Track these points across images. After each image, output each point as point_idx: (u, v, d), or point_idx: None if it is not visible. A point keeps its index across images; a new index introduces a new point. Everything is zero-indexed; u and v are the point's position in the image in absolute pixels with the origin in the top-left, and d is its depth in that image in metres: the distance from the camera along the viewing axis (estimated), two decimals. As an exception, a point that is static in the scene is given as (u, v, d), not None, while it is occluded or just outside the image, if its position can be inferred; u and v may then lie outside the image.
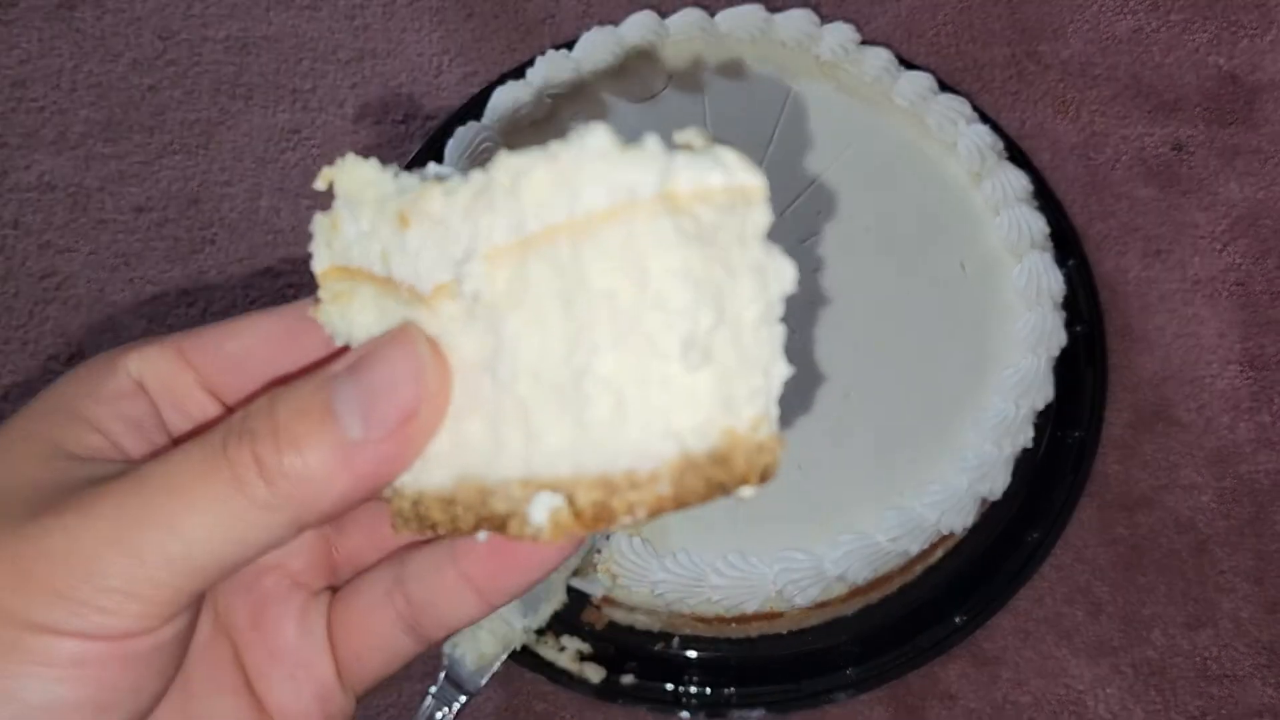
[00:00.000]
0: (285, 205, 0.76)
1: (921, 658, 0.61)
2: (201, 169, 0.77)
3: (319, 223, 0.28)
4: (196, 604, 0.26)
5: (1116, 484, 0.67)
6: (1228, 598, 0.64)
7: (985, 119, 0.72)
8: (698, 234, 0.23)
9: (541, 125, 0.73)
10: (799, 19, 0.74)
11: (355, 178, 0.27)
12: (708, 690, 0.60)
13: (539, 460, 0.24)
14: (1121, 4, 0.82)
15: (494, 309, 0.24)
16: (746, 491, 0.24)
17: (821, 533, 0.61)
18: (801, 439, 0.62)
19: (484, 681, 0.59)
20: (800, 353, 0.64)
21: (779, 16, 0.74)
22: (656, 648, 0.61)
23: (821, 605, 0.61)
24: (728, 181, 0.23)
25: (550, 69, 0.73)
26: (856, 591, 0.61)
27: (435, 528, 0.27)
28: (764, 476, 0.24)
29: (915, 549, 0.61)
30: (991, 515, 0.63)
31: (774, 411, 0.24)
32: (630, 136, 0.23)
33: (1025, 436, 0.63)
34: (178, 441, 0.29)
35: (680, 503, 0.23)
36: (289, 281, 0.73)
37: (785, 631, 0.62)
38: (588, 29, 0.74)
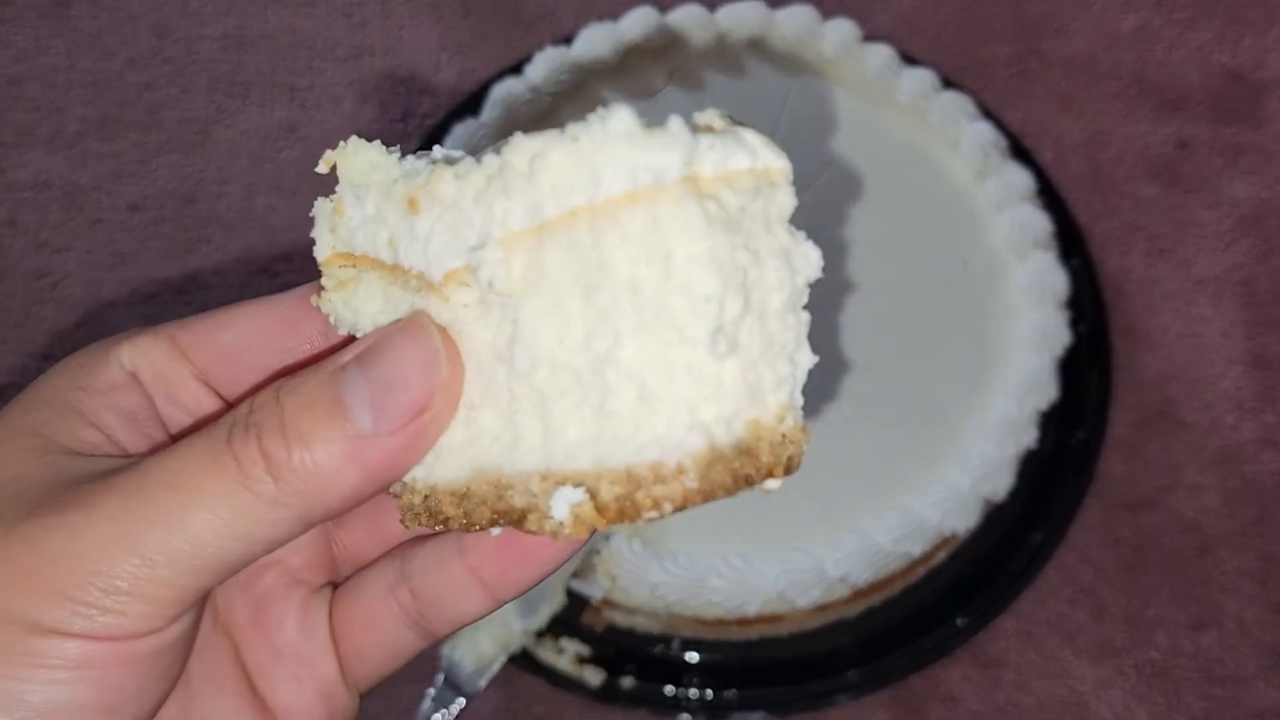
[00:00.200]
0: (282, 203, 0.75)
1: (923, 660, 0.61)
2: (197, 167, 0.77)
3: (321, 208, 0.27)
4: (201, 603, 0.26)
5: (1120, 484, 0.66)
6: (1232, 599, 0.64)
7: (988, 117, 0.71)
8: (724, 218, 0.22)
9: (540, 123, 0.72)
10: (800, 15, 0.73)
11: (359, 161, 0.26)
12: (708, 693, 0.60)
13: (559, 453, 0.24)
14: (1125, 1, 0.82)
15: (510, 296, 0.24)
16: (772, 484, 0.23)
17: (823, 534, 0.61)
18: (803, 439, 0.61)
19: (483, 684, 0.59)
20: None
21: (780, 13, 0.74)
22: (656, 650, 0.61)
23: (823, 607, 0.60)
24: (752, 164, 0.23)
25: (548, 65, 0.72)
26: (858, 593, 0.61)
27: (448, 523, 0.26)
28: (789, 468, 0.23)
29: (918, 550, 0.60)
30: (994, 516, 0.62)
31: (799, 401, 0.24)
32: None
33: (1029, 437, 0.62)
34: (174, 435, 0.29)
35: (707, 496, 0.23)
36: (286, 280, 0.73)
37: (786, 634, 0.61)
38: (586, 25, 0.74)
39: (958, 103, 0.70)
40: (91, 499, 0.24)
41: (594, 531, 0.24)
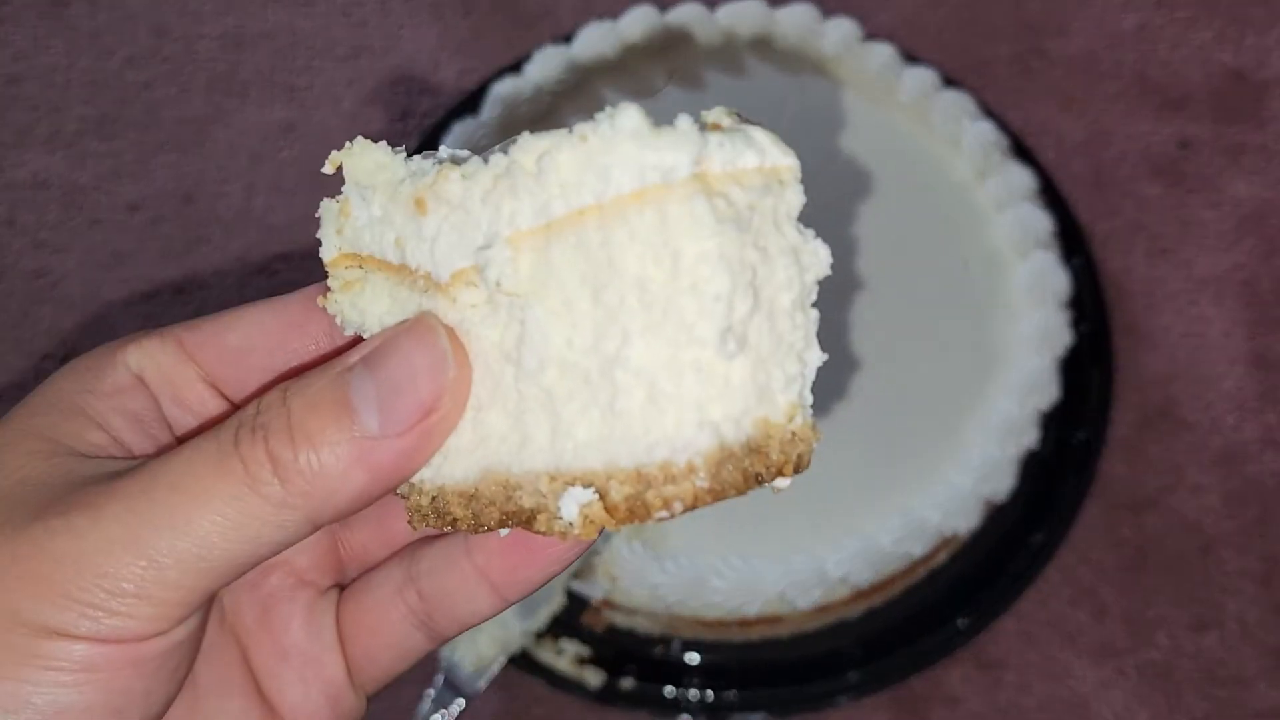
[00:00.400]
0: (280, 203, 0.75)
1: (924, 661, 0.60)
2: (196, 167, 0.77)
3: (327, 209, 0.27)
4: (208, 604, 0.26)
5: (1122, 485, 0.66)
6: (1234, 600, 0.64)
7: (989, 116, 0.71)
8: (733, 216, 0.22)
9: (540, 122, 0.72)
10: (801, 14, 0.73)
11: (365, 161, 0.26)
12: (709, 694, 0.59)
13: (568, 453, 0.24)
14: (1126, 0, 0.82)
15: (517, 296, 0.24)
16: (782, 483, 0.23)
17: (824, 534, 0.60)
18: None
19: (482, 685, 0.58)
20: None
21: (781, 11, 0.74)
22: (657, 651, 0.61)
23: (824, 608, 0.60)
24: (761, 162, 0.23)
25: (548, 64, 0.72)
26: (859, 594, 0.61)
27: (456, 524, 0.26)
28: (799, 467, 0.23)
29: (918, 551, 0.60)
30: (995, 517, 0.62)
31: (809, 399, 0.24)
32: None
33: (1030, 437, 0.62)
34: (181, 437, 0.29)
35: (718, 496, 0.23)
36: (285, 279, 0.72)
37: (787, 635, 0.61)
38: (586, 23, 0.74)
39: (959, 102, 0.70)
40: (98, 501, 0.24)
41: (603, 531, 0.24)
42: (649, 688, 0.60)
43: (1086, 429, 0.65)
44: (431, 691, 0.58)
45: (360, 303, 0.27)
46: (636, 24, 0.73)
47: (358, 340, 0.27)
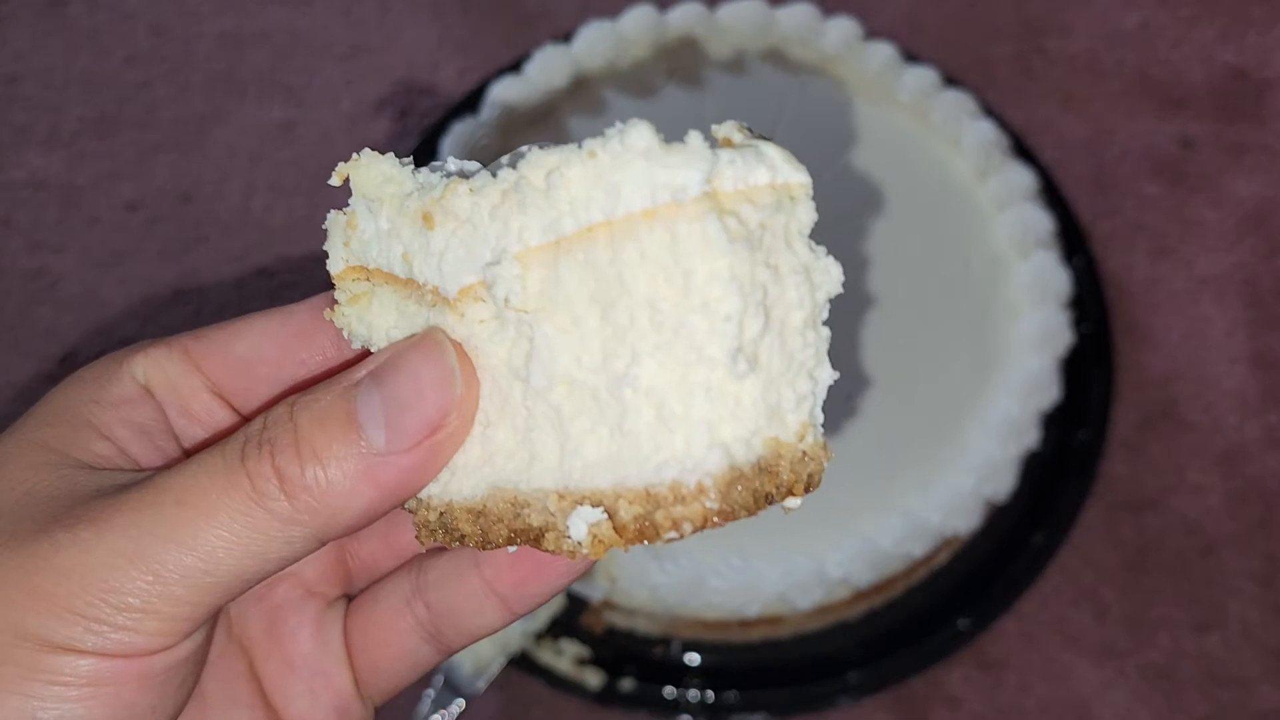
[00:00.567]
0: (279, 203, 0.75)
1: (925, 662, 0.60)
2: (194, 166, 0.76)
3: (334, 221, 0.27)
4: (214, 618, 0.26)
5: (1123, 485, 0.66)
6: (1235, 600, 0.63)
7: (990, 115, 0.71)
8: (744, 235, 0.22)
9: (540, 121, 0.72)
10: (801, 13, 0.73)
11: (373, 174, 0.26)
12: (709, 695, 0.59)
13: (576, 471, 0.24)
14: (1127, -2, 0.81)
15: (526, 313, 0.23)
16: (793, 502, 0.23)
17: (824, 535, 0.60)
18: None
19: (482, 686, 0.58)
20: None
21: (781, 11, 0.73)
22: (656, 652, 0.61)
23: (824, 609, 0.60)
24: (773, 179, 0.23)
25: (548, 64, 0.72)
26: (860, 595, 0.60)
27: (464, 540, 0.26)
28: (809, 486, 0.23)
29: (919, 551, 0.60)
30: (996, 517, 0.62)
31: (819, 418, 0.24)
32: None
33: (1030, 437, 0.62)
34: (187, 448, 0.28)
35: (728, 517, 0.23)
36: (283, 280, 0.72)
37: (787, 636, 0.61)
38: (586, 23, 0.73)
39: (960, 101, 0.70)
40: (104, 515, 0.24)
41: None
42: (649, 689, 0.60)
43: (1087, 429, 0.65)
44: (431, 692, 0.58)
45: (367, 316, 0.27)
46: (636, 24, 0.72)
47: (365, 353, 0.27)
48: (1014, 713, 0.61)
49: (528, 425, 0.24)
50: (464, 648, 0.31)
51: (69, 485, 0.25)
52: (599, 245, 0.22)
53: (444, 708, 0.58)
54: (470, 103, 0.73)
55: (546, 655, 0.60)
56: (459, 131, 0.69)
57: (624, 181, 0.22)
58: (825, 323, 0.24)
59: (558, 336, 0.23)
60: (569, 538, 0.24)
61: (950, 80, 0.72)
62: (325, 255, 0.27)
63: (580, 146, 0.23)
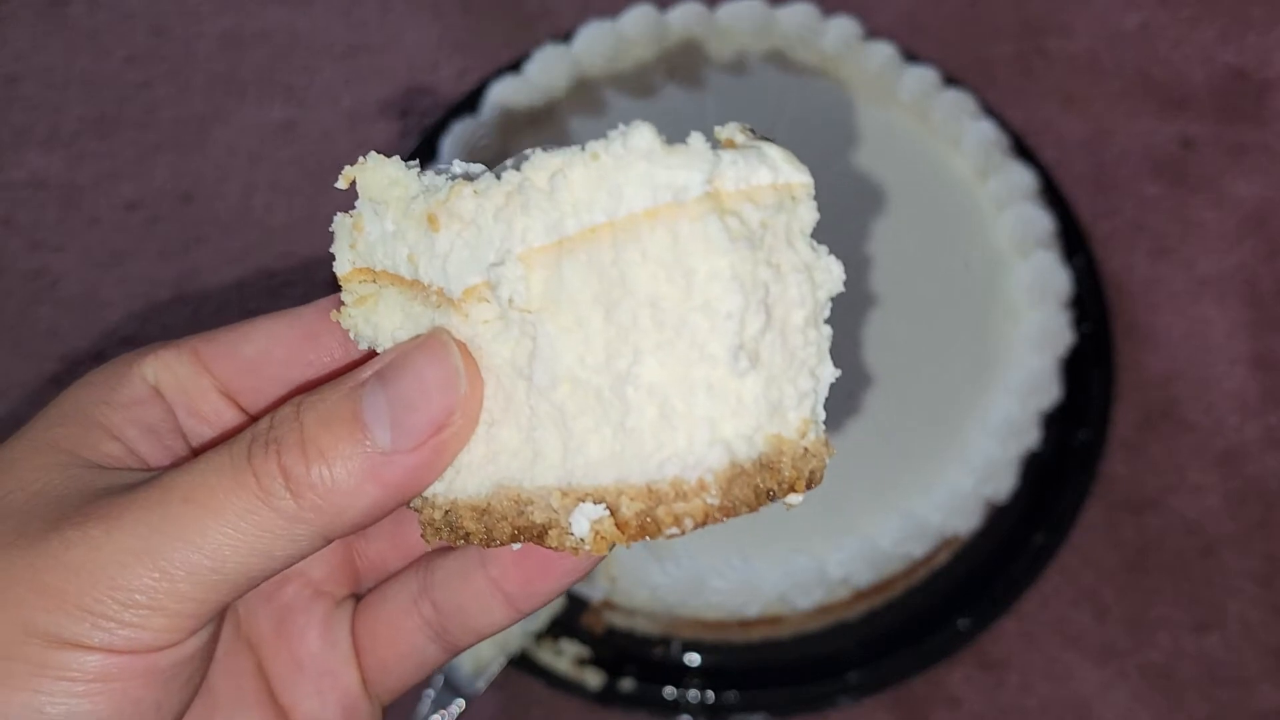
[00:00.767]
0: (279, 203, 0.75)
1: (925, 662, 0.60)
2: (195, 166, 0.76)
3: (340, 223, 0.27)
4: (221, 616, 0.26)
5: (1123, 485, 0.66)
6: (1235, 600, 0.63)
7: (990, 115, 0.71)
8: (745, 235, 0.22)
9: (540, 121, 0.72)
10: (801, 13, 0.73)
11: (379, 177, 0.26)
12: (709, 695, 0.59)
13: (579, 469, 0.24)
14: (1128, -2, 0.81)
15: (529, 313, 0.24)
16: (794, 499, 0.23)
17: (824, 535, 0.60)
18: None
19: (482, 686, 0.58)
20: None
21: (781, 11, 0.73)
22: (656, 652, 0.61)
23: (824, 609, 0.60)
24: (774, 179, 0.23)
25: (548, 64, 0.72)
26: (860, 595, 0.60)
27: (468, 538, 0.26)
28: (811, 483, 0.24)
29: (919, 552, 0.60)
30: (996, 517, 0.62)
31: (821, 415, 0.24)
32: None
33: (1031, 437, 0.62)
34: (195, 447, 0.29)
35: (729, 513, 0.23)
36: (284, 280, 0.72)
37: (787, 636, 0.61)
38: (586, 23, 0.73)
39: (960, 101, 0.70)
40: (113, 512, 0.24)
41: (614, 546, 0.24)
42: (649, 689, 0.60)
43: (1088, 429, 0.65)
44: (431, 692, 0.58)
45: (373, 317, 0.27)
46: (636, 23, 0.72)
47: (371, 355, 0.27)
48: (1014, 713, 0.61)
49: (531, 424, 0.25)
50: (471, 646, 0.31)
51: (78, 484, 0.25)
52: (602, 246, 0.23)
53: (444, 708, 0.58)
54: (470, 103, 0.73)
55: (546, 655, 0.60)
56: (459, 131, 0.69)
57: (626, 182, 0.22)
58: (827, 321, 0.24)
59: (561, 336, 0.23)
60: (572, 534, 0.24)
61: (950, 80, 0.72)
62: (328, 256, 0.28)
63: (583, 148, 0.23)
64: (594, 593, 0.60)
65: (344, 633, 0.31)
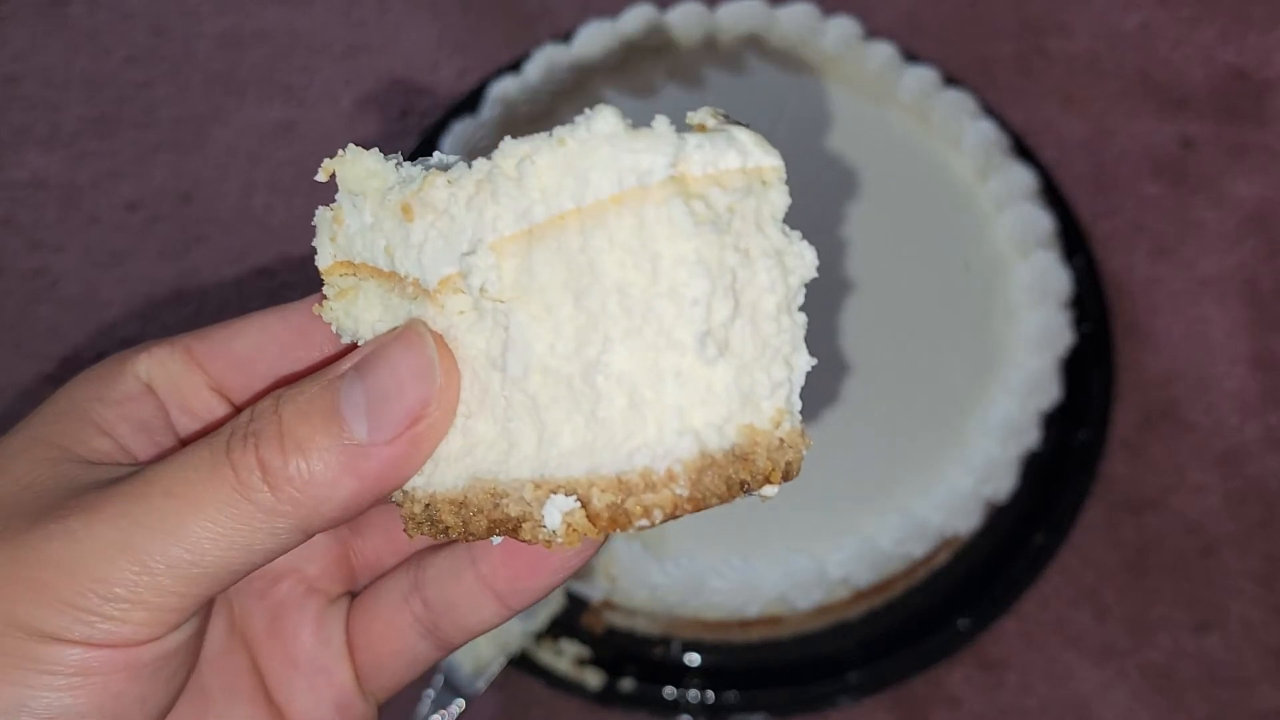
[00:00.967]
0: (279, 202, 0.75)
1: (925, 662, 0.60)
2: (194, 166, 0.76)
3: (322, 217, 0.27)
4: (205, 610, 0.26)
5: (1123, 485, 0.66)
6: (1235, 600, 0.63)
7: (990, 115, 0.71)
8: (712, 219, 0.22)
9: (539, 121, 0.72)
10: (801, 13, 0.73)
11: (357, 169, 0.26)
12: (709, 695, 0.59)
13: (552, 460, 0.24)
14: (1128, -2, 0.81)
15: (501, 302, 0.23)
16: (770, 491, 0.23)
17: (824, 535, 0.60)
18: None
19: (481, 686, 0.58)
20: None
21: (781, 10, 0.73)
22: (656, 652, 0.61)
23: (824, 609, 0.60)
24: (743, 163, 0.22)
25: (547, 63, 0.72)
26: (860, 595, 0.60)
27: (448, 532, 0.26)
28: (787, 474, 0.23)
29: (919, 552, 0.60)
30: (996, 517, 0.62)
31: (797, 405, 0.23)
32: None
33: (1031, 437, 0.62)
34: (185, 443, 0.29)
35: (699, 504, 0.22)
36: (283, 280, 0.72)
37: (787, 636, 0.61)
38: (586, 22, 0.73)
39: (960, 101, 0.70)
40: (94, 505, 0.24)
41: (593, 539, 0.24)
42: (649, 689, 0.60)
43: (1088, 429, 0.65)
44: (431, 692, 0.58)
45: (354, 310, 0.27)
46: (636, 23, 0.72)
47: (354, 348, 0.27)
48: (1014, 713, 0.61)
49: (506, 415, 0.24)
50: (463, 644, 0.31)
51: (67, 479, 0.25)
52: (570, 232, 0.22)
53: (444, 708, 0.58)
54: (470, 102, 0.73)
55: (546, 655, 0.60)
56: (459, 131, 0.69)
57: (592, 167, 0.22)
58: (802, 309, 0.23)
59: (532, 325, 0.23)
60: (544, 527, 0.24)
61: (950, 80, 0.72)
62: (315, 251, 0.28)
63: (550, 134, 0.23)
64: (594, 593, 0.60)
65: (338, 630, 0.31)
